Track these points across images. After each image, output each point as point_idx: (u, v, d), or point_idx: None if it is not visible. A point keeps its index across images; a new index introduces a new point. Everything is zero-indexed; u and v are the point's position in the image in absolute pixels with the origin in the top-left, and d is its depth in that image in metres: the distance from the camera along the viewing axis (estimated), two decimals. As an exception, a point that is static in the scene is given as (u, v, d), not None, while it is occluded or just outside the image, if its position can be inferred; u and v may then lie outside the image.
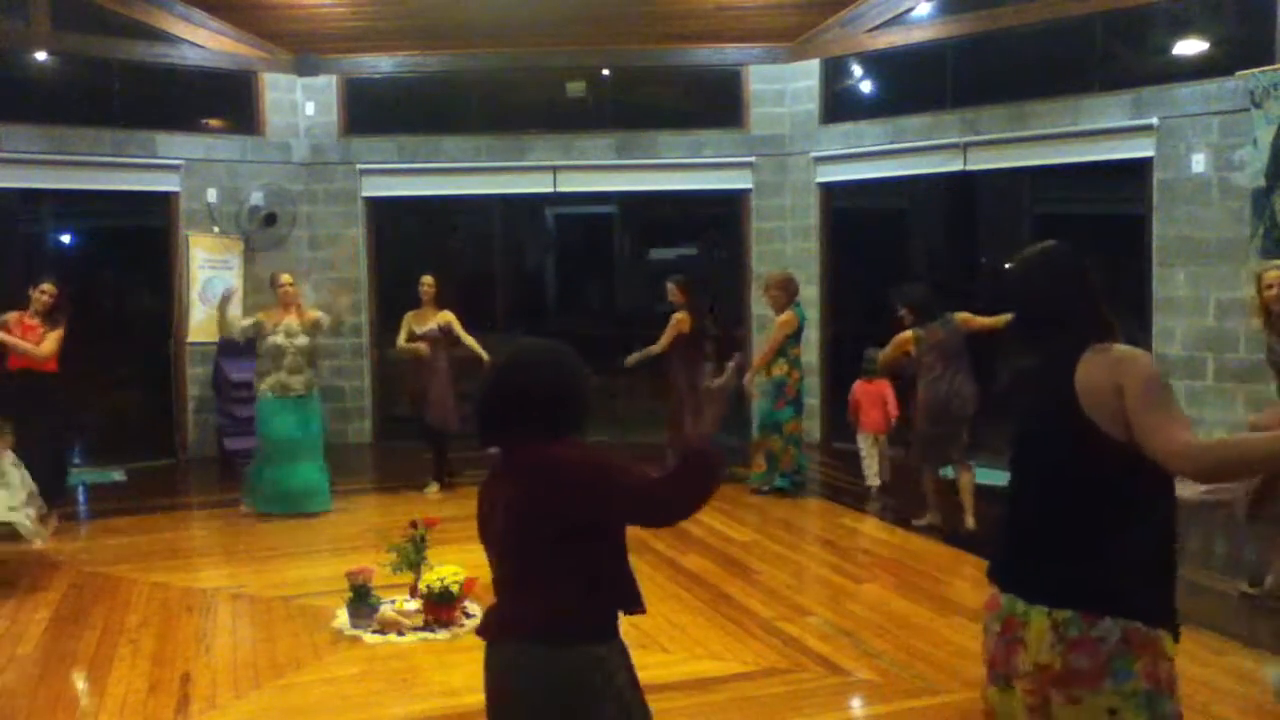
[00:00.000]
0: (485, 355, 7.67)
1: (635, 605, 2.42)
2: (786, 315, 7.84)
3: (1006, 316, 6.29)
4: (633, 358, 8.16)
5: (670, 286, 8.26)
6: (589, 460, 2.35)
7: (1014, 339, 2.61)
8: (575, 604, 2.32)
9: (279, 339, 7.44)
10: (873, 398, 8.02)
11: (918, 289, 7.20)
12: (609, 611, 2.40)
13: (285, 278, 7.71)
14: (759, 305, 10.30)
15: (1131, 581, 2.31)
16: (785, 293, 7.93)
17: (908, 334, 6.93)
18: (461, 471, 8.23)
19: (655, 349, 8.09)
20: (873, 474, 8.02)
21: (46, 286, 6.99)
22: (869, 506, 7.68)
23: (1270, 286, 5.44)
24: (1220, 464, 2.25)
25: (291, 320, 7.50)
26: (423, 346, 7.96)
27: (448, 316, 8.07)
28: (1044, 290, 2.52)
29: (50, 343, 6.90)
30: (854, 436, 8.25)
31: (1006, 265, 2.69)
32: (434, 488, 8.16)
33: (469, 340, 7.97)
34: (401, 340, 8.16)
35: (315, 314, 7.64)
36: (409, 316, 8.18)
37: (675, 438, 7.88)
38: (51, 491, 6.68)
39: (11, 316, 6.93)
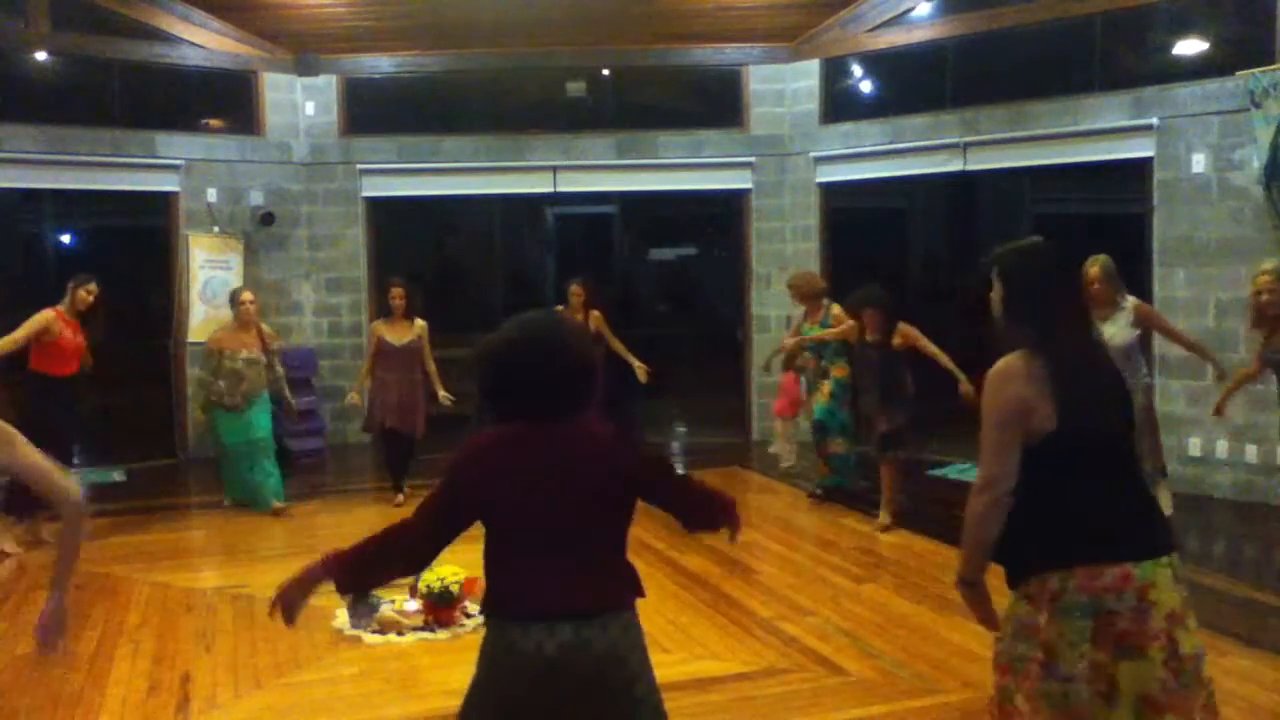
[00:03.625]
0: (439, 385, 7.66)
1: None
2: (838, 309, 7.53)
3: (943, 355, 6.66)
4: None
5: (574, 289, 8.22)
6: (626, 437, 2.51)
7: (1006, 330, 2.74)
8: (627, 570, 2.47)
9: (238, 365, 7.46)
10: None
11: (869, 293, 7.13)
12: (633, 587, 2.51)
13: (247, 295, 7.68)
14: (759, 306, 10.32)
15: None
16: (811, 288, 7.76)
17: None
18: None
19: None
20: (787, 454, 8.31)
21: (93, 287, 6.84)
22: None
23: (1260, 292, 5.58)
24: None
25: (252, 345, 7.52)
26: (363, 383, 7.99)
27: (423, 326, 7.82)
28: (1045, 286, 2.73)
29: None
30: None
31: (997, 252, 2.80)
32: (400, 498, 7.75)
33: (431, 365, 7.74)
34: (370, 354, 7.91)
35: (271, 332, 7.79)
36: (379, 327, 7.86)
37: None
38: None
39: (49, 315, 6.71)
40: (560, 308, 7.98)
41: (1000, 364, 2.60)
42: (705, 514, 2.60)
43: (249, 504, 7.64)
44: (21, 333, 6.62)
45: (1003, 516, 2.57)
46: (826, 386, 7.62)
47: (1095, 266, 6.02)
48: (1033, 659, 2.54)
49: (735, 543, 2.73)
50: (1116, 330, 5.94)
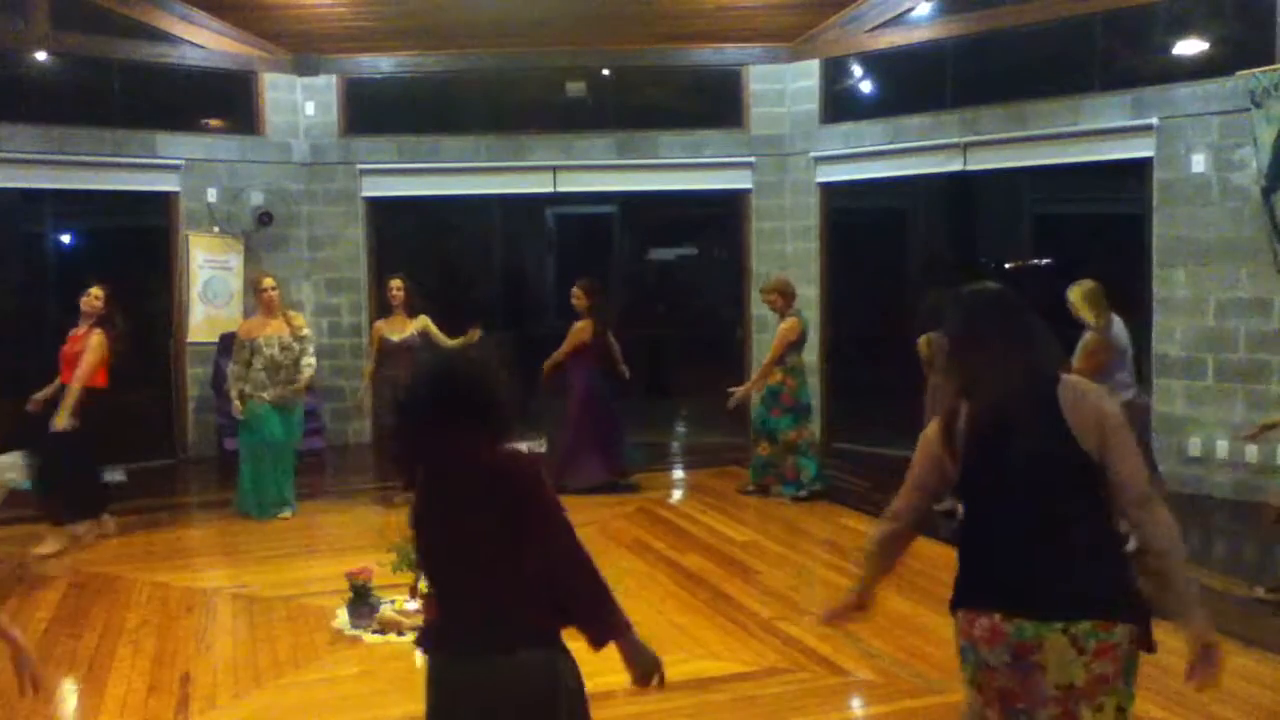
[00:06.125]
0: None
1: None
2: (789, 322, 7.72)
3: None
4: (547, 364, 8.00)
5: (575, 290, 8.11)
6: (528, 470, 2.41)
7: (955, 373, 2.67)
8: (519, 610, 2.38)
9: (273, 351, 7.28)
10: None
11: (932, 297, 7.23)
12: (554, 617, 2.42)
13: (268, 281, 7.50)
14: (758, 307, 10.31)
15: (1126, 586, 2.42)
16: (784, 297, 7.82)
17: (921, 339, 7.01)
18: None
19: (557, 357, 7.98)
20: None
21: (94, 290, 6.62)
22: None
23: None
24: (1161, 542, 2.37)
25: (281, 330, 7.34)
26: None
27: (424, 322, 7.71)
28: (994, 328, 2.60)
29: (89, 355, 6.49)
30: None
31: (947, 303, 2.74)
32: (402, 499, 7.74)
33: (449, 344, 7.45)
34: (372, 353, 7.90)
35: (301, 320, 7.55)
36: (380, 325, 7.86)
37: (561, 443, 8.03)
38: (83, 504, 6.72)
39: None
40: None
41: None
42: (573, 591, 2.42)
43: (257, 512, 7.39)
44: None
45: None
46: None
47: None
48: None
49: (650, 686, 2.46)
50: None
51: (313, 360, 7.46)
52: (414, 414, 2.46)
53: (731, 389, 7.91)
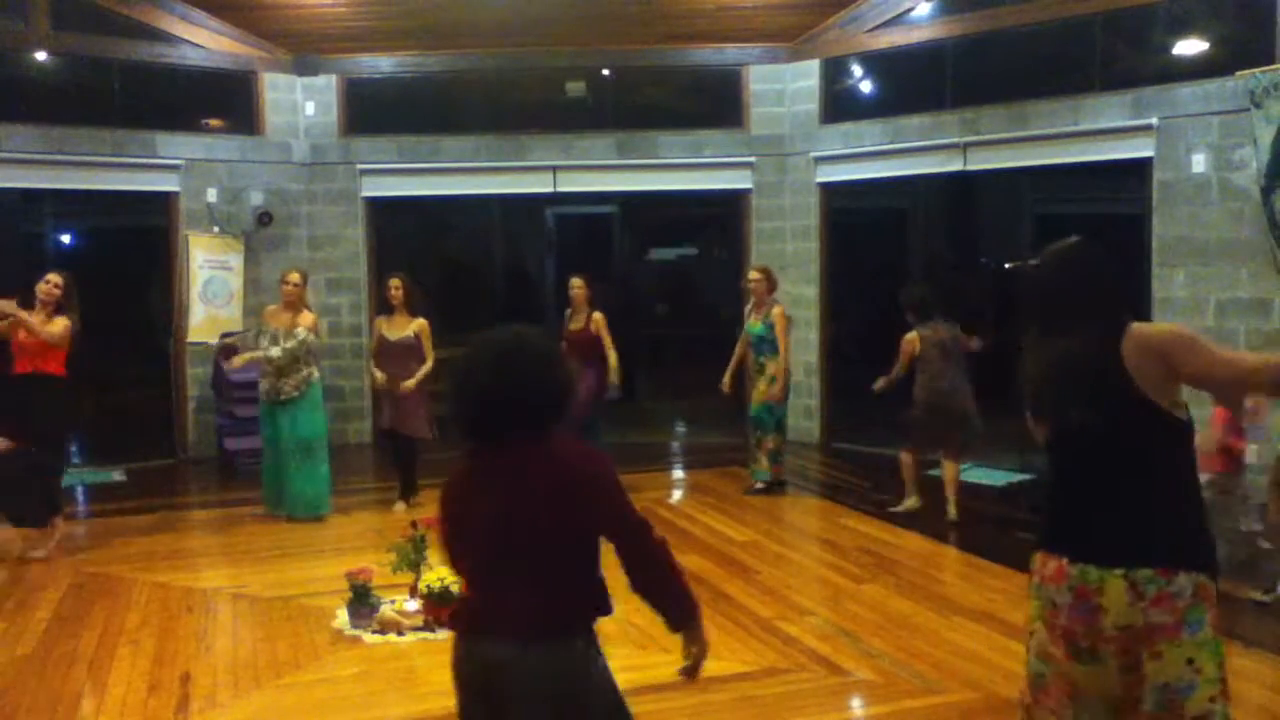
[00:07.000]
0: (414, 379, 7.39)
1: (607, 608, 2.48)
2: (781, 309, 7.83)
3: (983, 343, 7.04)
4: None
5: (578, 281, 8.13)
6: (590, 464, 2.40)
7: (1037, 328, 2.78)
8: (564, 602, 2.39)
9: (264, 343, 7.28)
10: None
11: (917, 290, 7.40)
12: (591, 611, 2.45)
13: (293, 276, 7.43)
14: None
15: (1193, 537, 2.53)
16: (770, 283, 7.88)
17: (911, 335, 7.11)
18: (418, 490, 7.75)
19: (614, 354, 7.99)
20: None
21: (52, 277, 6.52)
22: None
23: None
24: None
25: (282, 324, 7.28)
26: (379, 375, 7.57)
27: (422, 324, 7.58)
28: (1079, 283, 2.73)
29: (57, 325, 6.35)
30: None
31: (1033, 262, 2.86)
32: (400, 506, 7.60)
33: (429, 362, 7.47)
34: (372, 350, 7.88)
35: (307, 321, 7.32)
36: (380, 322, 7.76)
37: None
38: (41, 507, 6.49)
39: (4, 304, 6.38)
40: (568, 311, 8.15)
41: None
42: (646, 586, 2.45)
43: (276, 509, 7.40)
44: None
45: None
46: (763, 384, 7.84)
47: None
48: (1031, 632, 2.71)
49: (688, 678, 2.55)
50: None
51: (273, 353, 7.20)
52: (470, 394, 2.41)
53: (765, 390, 7.86)
